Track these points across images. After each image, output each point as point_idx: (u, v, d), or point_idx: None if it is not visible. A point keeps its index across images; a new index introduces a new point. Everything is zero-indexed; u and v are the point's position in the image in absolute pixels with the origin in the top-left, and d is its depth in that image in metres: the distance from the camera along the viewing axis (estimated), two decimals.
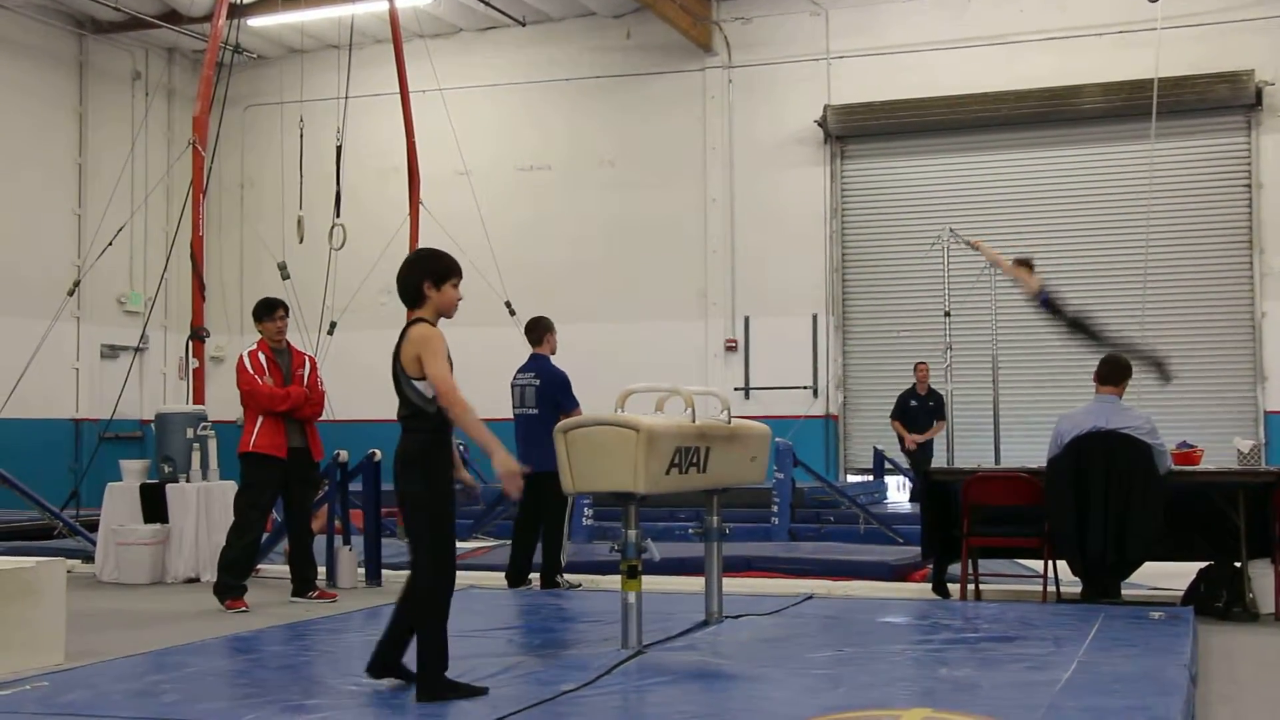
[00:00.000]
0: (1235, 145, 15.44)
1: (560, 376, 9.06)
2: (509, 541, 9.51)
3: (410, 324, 5.27)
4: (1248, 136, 15.36)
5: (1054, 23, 15.82)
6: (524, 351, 9.32)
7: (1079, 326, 10.68)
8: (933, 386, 14.99)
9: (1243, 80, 15.05)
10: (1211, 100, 15.26)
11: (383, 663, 5.29)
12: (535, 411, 8.94)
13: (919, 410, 15.00)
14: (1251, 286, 15.26)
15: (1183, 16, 15.00)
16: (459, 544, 12.31)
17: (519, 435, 9.09)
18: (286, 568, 9.17)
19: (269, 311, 8.88)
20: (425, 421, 5.21)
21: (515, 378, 9.22)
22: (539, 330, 9.29)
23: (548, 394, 8.98)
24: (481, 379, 9.73)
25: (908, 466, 15.14)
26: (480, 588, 8.87)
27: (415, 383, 5.18)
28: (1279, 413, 15.00)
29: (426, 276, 5.34)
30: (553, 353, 9.27)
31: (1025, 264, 10.78)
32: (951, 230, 13.13)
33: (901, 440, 15.07)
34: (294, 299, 10.35)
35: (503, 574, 9.22)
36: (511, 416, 9.18)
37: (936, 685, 5.45)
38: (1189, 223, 15.51)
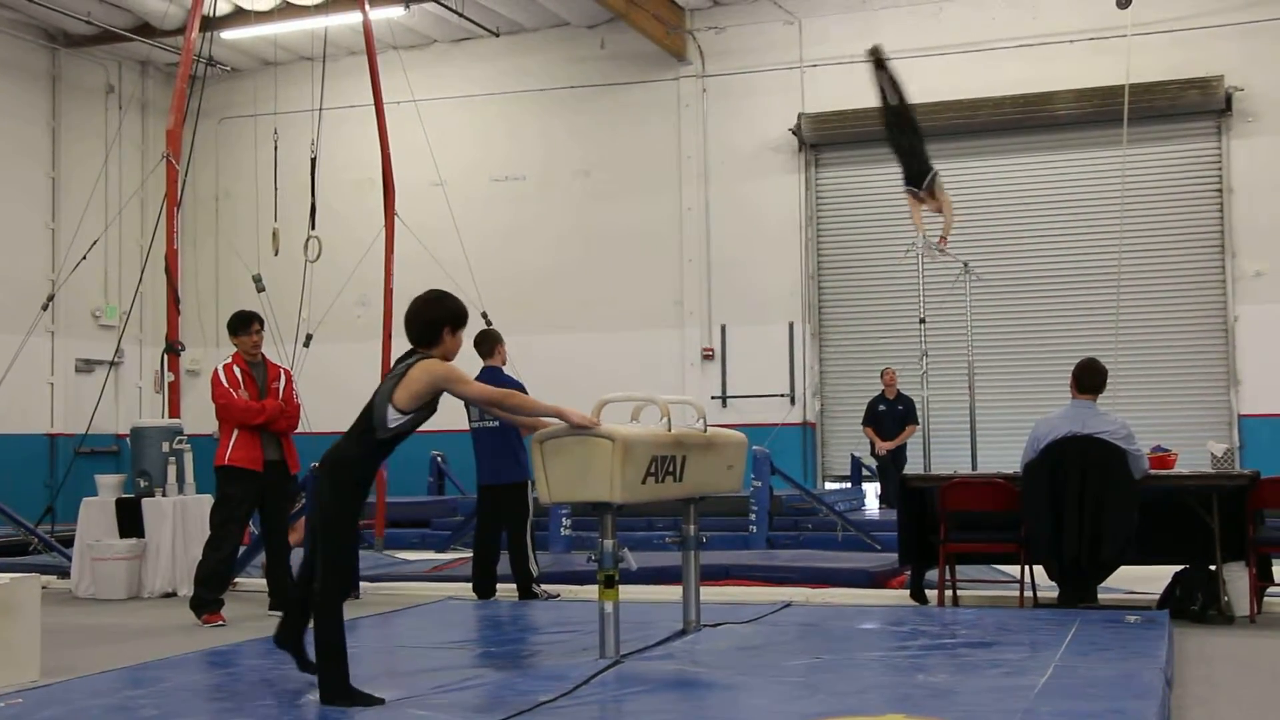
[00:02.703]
0: (1206, 150, 15.55)
1: (518, 387, 9.09)
2: None
3: (414, 360, 5.31)
4: (1218, 142, 15.46)
5: (1026, 29, 15.91)
6: None
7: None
8: (903, 391, 15.06)
9: (1213, 86, 15.15)
10: (1183, 106, 15.36)
11: (285, 636, 5.59)
12: (496, 424, 8.95)
13: (888, 415, 15.09)
14: (1224, 291, 15.35)
15: (1154, 23, 15.11)
16: (438, 555, 12.36)
17: (478, 448, 9.11)
18: (264, 581, 9.15)
19: (244, 325, 8.85)
20: (373, 441, 5.32)
21: None
22: (489, 342, 9.33)
23: None
24: None
25: (878, 470, 15.22)
26: (457, 599, 8.87)
27: (395, 412, 5.26)
28: (1252, 416, 15.08)
29: (449, 320, 5.42)
30: (504, 364, 9.30)
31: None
32: (925, 237, 13.15)
33: (873, 445, 15.14)
34: (269, 311, 10.32)
35: None
36: (468, 429, 9.20)
37: (913, 691, 5.47)
38: (1162, 227, 15.60)
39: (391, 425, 5.26)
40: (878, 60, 11.17)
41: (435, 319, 5.38)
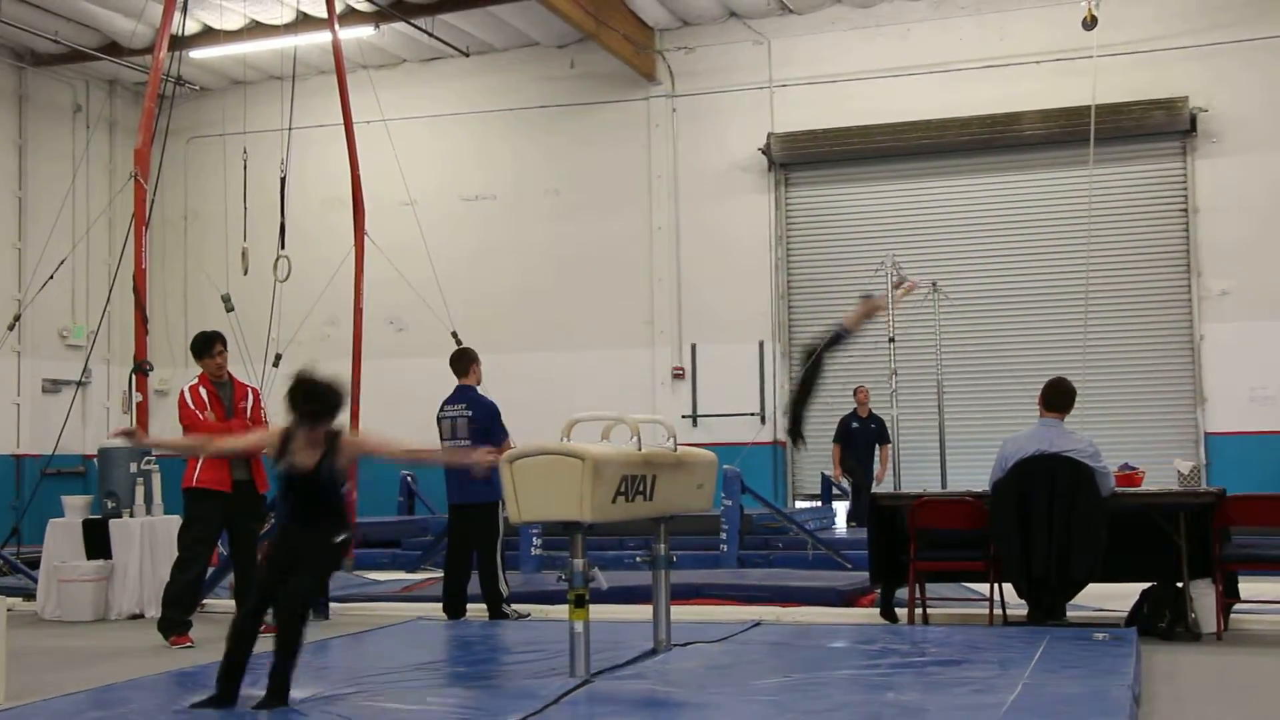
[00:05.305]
0: (1171, 170, 15.68)
1: (492, 407, 9.13)
2: None
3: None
4: (1183, 162, 15.59)
5: (993, 50, 16.03)
6: None
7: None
8: (874, 410, 15.10)
9: (1178, 107, 15.28)
10: (1148, 126, 15.48)
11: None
12: (467, 442, 8.97)
13: (860, 433, 15.12)
14: (1190, 309, 15.46)
15: (1119, 44, 15.25)
16: (408, 575, 12.32)
17: (448, 468, 9.11)
18: (232, 602, 9.09)
19: (207, 347, 8.79)
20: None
21: (443, 410, 9.26)
22: (465, 361, 9.37)
23: (479, 424, 9.03)
24: (427, 408, 9.70)
25: (847, 490, 15.23)
26: (428, 619, 8.84)
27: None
28: (1218, 434, 15.19)
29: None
30: (478, 383, 9.31)
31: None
32: (894, 260, 13.24)
33: (842, 463, 15.13)
34: (238, 331, 10.29)
35: None
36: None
37: (883, 709, 5.48)
38: (1128, 247, 15.71)
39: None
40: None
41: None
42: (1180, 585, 8.19)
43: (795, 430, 12.77)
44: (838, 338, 11.91)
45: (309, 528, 5.62)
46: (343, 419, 5.62)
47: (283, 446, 5.55)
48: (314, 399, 5.49)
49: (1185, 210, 15.56)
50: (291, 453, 5.52)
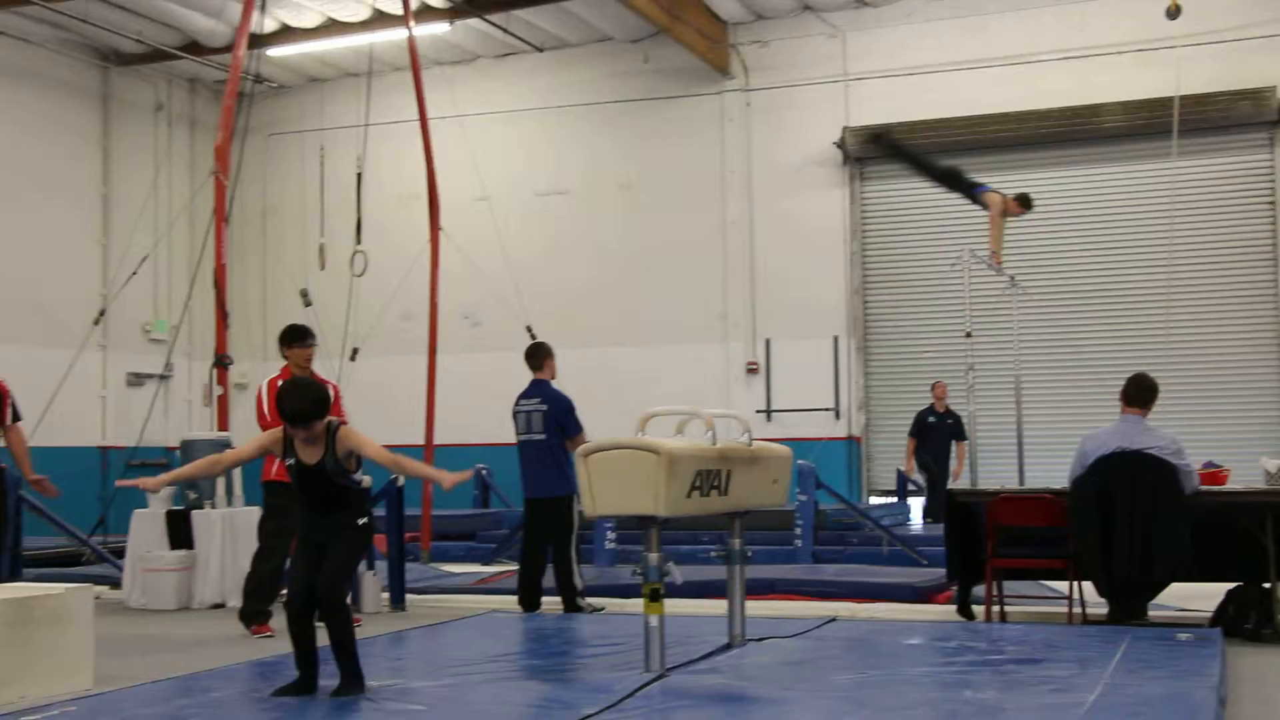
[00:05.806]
0: (1258, 163, 15.39)
1: (566, 401, 9.13)
2: None
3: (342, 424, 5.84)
4: (1270, 154, 15.30)
5: (1073, 42, 15.81)
6: None
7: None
8: (951, 406, 14.97)
9: (1264, 97, 15.00)
10: (1233, 117, 15.21)
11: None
12: (542, 437, 9.00)
13: (937, 428, 15.00)
14: (1276, 304, 15.18)
15: (1203, 34, 14.96)
16: (483, 568, 12.41)
17: (523, 461, 9.14)
18: None
19: (300, 338, 8.87)
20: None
21: (518, 404, 9.27)
22: (540, 355, 9.36)
23: (554, 419, 9.04)
24: (502, 402, 9.76)
25: (924, 485, 15.11)
26: (502, 612, 8.89)
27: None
28: None
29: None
30: (553, 378, 9.32)
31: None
32: (972, 251, 13.10)
33: (918, 457, 15.02)
34: (316, 325, 10.35)
35: None
36: (515, 442, 9.24)
37: (961, 708, 5.42)
38: (1212, 241, 15.45)
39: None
40: (892, 146, 11.89)
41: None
42: (1267, 586, 8.03)
43: (893, 143, 12.69)
44: (972, 188, 11.64)
45: (329, 516, 5.83)
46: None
47: (286, 447, 5.81)
48: (294, 402, 5.73)
49: (1272, 203, 15.27)
50: (295, 451, 5.78)
